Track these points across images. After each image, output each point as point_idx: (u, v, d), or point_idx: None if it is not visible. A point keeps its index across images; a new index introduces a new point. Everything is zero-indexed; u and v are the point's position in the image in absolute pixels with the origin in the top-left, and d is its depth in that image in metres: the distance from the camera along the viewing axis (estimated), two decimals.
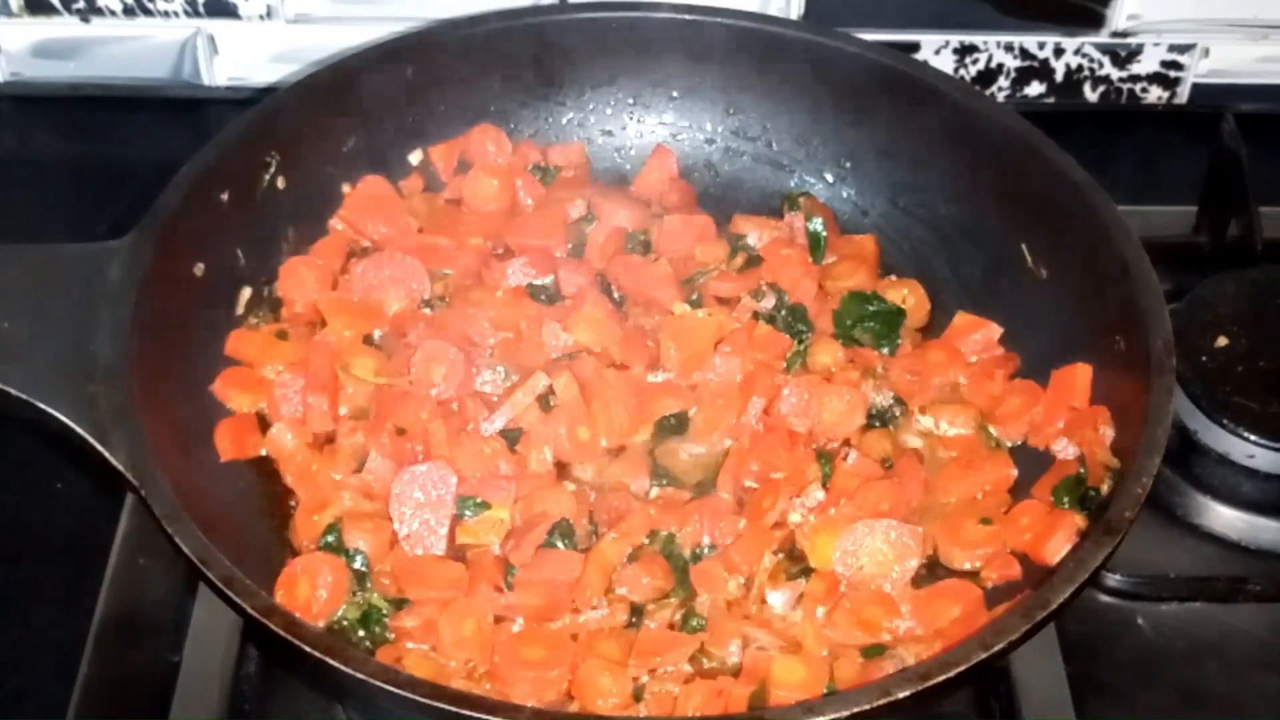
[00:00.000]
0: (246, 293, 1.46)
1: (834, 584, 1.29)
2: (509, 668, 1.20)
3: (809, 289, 1.50)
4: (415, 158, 1.59)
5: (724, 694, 1.20)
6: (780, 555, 1.31)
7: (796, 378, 1.41)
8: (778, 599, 1.29)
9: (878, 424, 1.42)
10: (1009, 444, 1.40)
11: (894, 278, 1.54)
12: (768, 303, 1.48)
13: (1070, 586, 1.15)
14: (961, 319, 1.48)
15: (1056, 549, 1.26)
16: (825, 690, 1.19)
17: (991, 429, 1.41)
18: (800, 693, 1.18)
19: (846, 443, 1.39)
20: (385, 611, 1.27)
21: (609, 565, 1.29)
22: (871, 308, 1.49)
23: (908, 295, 1.51)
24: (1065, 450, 1.35)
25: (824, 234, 1.55)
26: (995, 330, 1.46)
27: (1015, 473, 1.36)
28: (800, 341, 1.46)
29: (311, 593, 1.25)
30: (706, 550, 1.32)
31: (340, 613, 1.27)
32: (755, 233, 1.55)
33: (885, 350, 1.47)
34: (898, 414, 1.42)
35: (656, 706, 1.21)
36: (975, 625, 1.21)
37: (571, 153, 1.62)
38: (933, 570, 1.31)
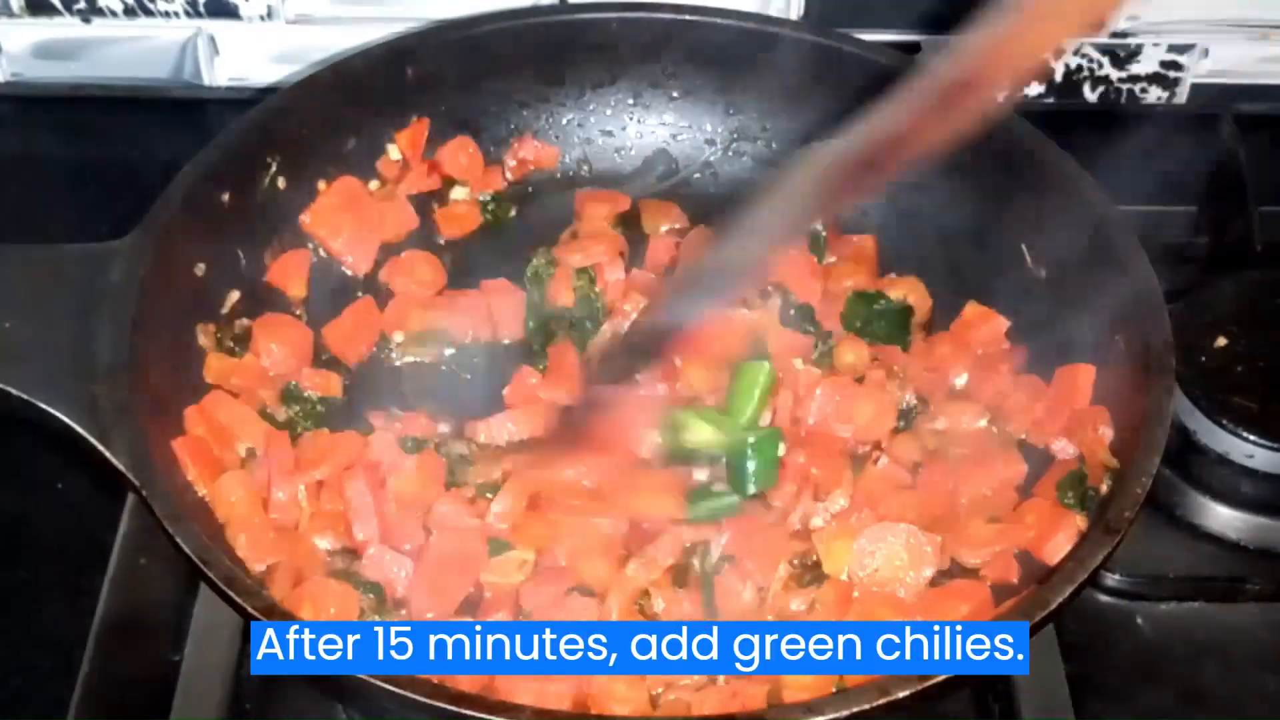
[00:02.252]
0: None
1: (846, 592, 1.28)
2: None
3: (815, 289, 1.50)
4: (394, 151, 1.59)
5: (739, 695, 1.20)
6: (795, 564, 1.31)
7: (825, 380, 1.41)
8: (790, 603, 1.29)
9: (902, 424, 1.41)
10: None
11: (894, 276, 1.54)
12: (774, 304, 1.48)
13: (1070, 586, 1.15)
14: (972, 309, 1.48)
15: (1057, 549, 1.26)
16: (834, 690, 1.18)
17: (995, 426, 1.41)
18: (811, 693, 1.17)
19: (878, 446, 1.39)
20: None
21: (632, 592, 1.28)
22: (878, 307, 1.49)
23: (908, 294, 1.51)
24: (1064, 450, 1.35)
25: (824, 234, 1.55)
26: (1003, 324, 1.46)
27: (1025, 468, 1.36)
28: (824, 341, 1.45)
29: (314, 619, 1.20)
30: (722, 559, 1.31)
31: None
32: None
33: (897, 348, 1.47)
34: (920, 412, 1.42)
35: (671, 714, 1.20)
36: None
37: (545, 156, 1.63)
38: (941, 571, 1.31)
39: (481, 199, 1.61)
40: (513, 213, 1.61)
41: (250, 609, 1.13)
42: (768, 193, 1.14)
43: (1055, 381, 1.39)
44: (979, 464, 1.36)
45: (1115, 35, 1.78)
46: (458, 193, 1.60)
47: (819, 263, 1.53)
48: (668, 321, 1.26)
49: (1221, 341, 1.48)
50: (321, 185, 1.54)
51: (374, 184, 1.58)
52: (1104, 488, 1.29)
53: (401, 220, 1.57)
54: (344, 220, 1.53)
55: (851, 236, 1.57)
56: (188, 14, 1.75)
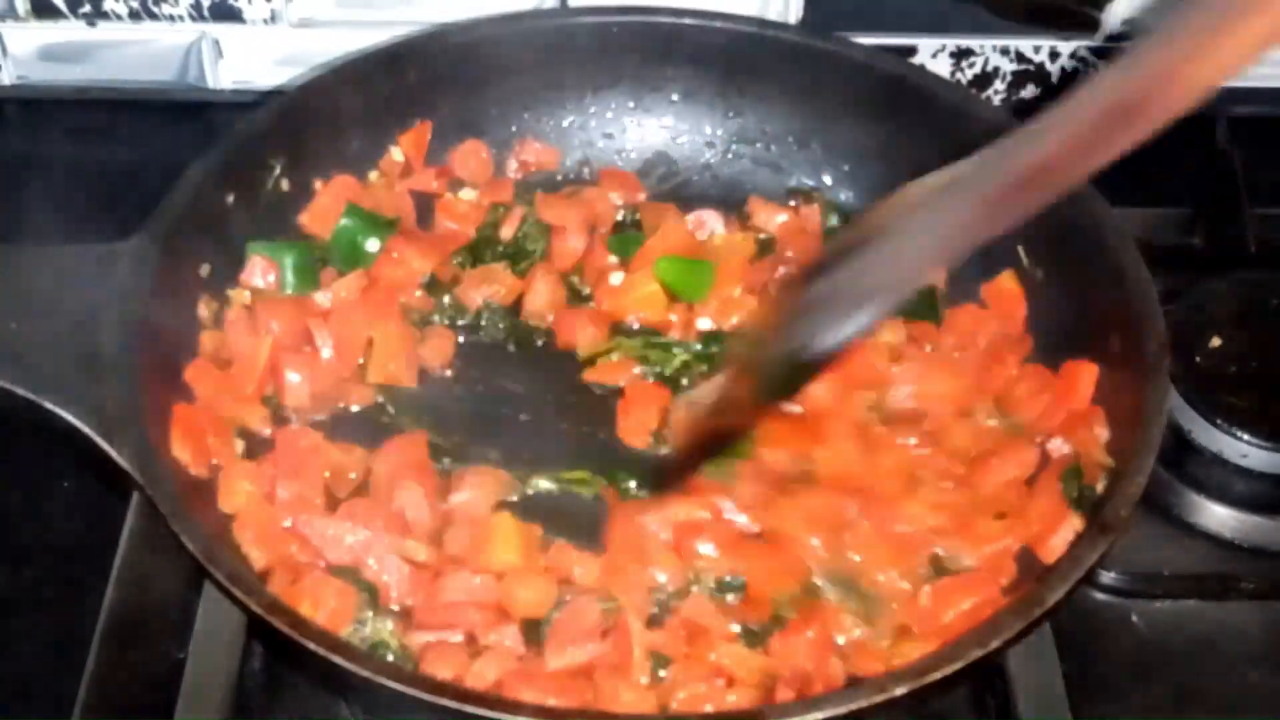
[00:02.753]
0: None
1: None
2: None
3: None
4: (397, 153, 1.60)
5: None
6: None
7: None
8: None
9: None
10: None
11: None
12: None
13: (1065, 584, 1.16)
14: (1007, 278, 1.48)
15: (1054, 547, 1.27)
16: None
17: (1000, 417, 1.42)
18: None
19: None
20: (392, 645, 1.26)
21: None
22: None
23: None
24: (1059, 449, 1.36)
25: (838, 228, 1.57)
26: (1022, 306, 1.47)
27: (1035, 458, 1.36)
28: None
29: (312, 614, 1.21)
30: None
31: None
32: (769, 215, 1.58)
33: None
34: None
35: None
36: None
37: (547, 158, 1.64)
38: (939, 569, 1.32)
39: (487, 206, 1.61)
40: (509, 232, 1.57)
41: (255, 607, 1.14)
42: (915, 214, 1.07)
43: (1061, 375, 1.39)
44: (993, 457, 1.36)
45: (1110, 39, 1.79)
46: (465, 193, 1.60)
47: None
48: (801, 348, 1.08)
49: (1216, 342, 1.49)
50: (319, 185, 1.54)
51: (373, 174, 1.59)
52: (1100, 487, 1.30)
53: (400, 210, 1.56)
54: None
55: None
56: (192, 18, 1.77)
